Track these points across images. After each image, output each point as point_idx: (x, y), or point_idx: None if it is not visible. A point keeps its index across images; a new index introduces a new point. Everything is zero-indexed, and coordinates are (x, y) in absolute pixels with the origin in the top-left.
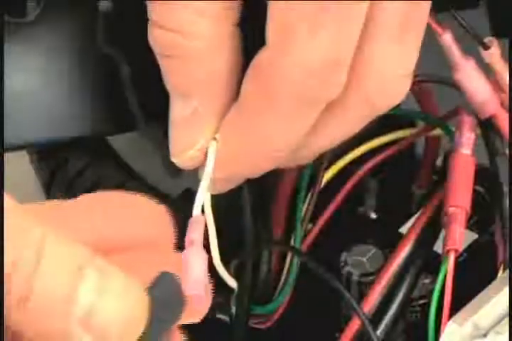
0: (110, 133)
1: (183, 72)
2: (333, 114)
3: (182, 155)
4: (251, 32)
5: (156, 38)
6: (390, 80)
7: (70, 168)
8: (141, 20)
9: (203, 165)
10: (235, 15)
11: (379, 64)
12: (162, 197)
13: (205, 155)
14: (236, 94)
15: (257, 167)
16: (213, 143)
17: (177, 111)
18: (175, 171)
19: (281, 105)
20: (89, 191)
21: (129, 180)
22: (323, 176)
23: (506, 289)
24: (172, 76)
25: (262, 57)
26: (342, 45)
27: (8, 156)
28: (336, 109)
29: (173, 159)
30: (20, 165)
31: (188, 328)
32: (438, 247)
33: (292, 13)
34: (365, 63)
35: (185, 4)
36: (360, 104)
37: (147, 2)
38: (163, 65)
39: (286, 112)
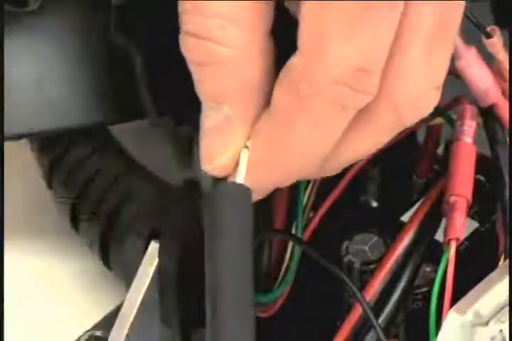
0: (115, 122)
1: (216, 80)
2: (362, 124)
3: (213, 162)
4: (283, 39)
5: (189, 46)
6: (419, 92)
7: (71, 158)
8: (154, 11)
9: (233, 173)
10: (268, 22)
11: (410, 74)
12: (163, 185)
13: (236, 163)
14: (268, 101)
15: (286, 176)
16: (245, 150)
17: (208, 118)
18: (184, 162)
19: (312, 112)
20: (90, 180)
21: (130, 169)
22: None
23: (507, 278)
24: (204, 83)
25: (293, 63)
26: (375, 53)
27: (9, 145)
28: (364, 119)
29: (204, 167)
30: (21, 154)
31: (187, 316)
32: (439, 236)
33: (326, 14)
34: (396, 73)
35: (217, 12)
36: (389, 115)
37: (179, 11)
38: (195, 72)
39: (317, 119)
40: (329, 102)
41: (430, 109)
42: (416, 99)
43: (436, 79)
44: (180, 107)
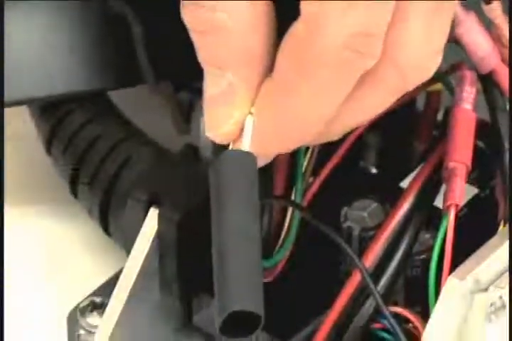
0: (114, 88)
1: (218, 47)
2: (365, 87)
3: (217, 129)
4: (285, 6)
5: (190, 14)
6: (421, 55)
7: (70, 124)
8: None
9: (237, 139)
10: None
11: (412, 38)
12: (163, 152)
13: (241, 129)
14: (271, 68)
15: (290, 142)
16: (250, 117)
17: (211, 85)
18: (183, 128)
19: (315, 77)
20: (89, 147)
21: (130, 135)
22: None
23: (506, 244)
24: (206, 51)
25: (295, 29)
26: (377, 17)
27: (9, 111)
28: (368, 82)
29: (208, 134)
30: (21, 120)
31: (187, 282)
32: (439, 202)
33: None
34: (398, 37)
35: None
36: (392, 77)
37: None
38: (197, 40)
39: (321, 83)
40: (332, 67)
41: (432, 72)
42: (418, 60)
43: (437, 43)
44: (179, 73)
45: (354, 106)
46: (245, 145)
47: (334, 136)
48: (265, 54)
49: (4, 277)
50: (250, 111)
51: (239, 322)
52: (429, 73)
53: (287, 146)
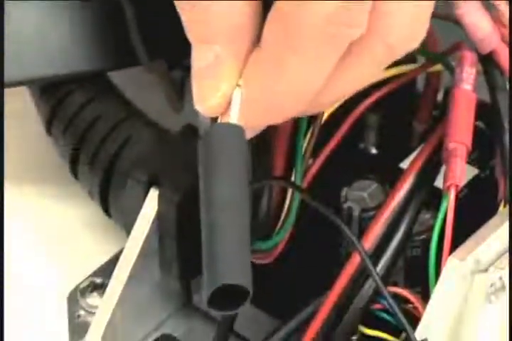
0: (111, 69)
1: (205, 21)
2: (352, 58)
3: (205, 102)
4: None
5: None
6: (408, 25)
7: (70, 104)
8: None
9: (225, 112)
10: None
11: (398, 9)
12: (163, 132)
13: (229, 102)
14: (258, 40)
15: (279, 113)
16: (238, 89)
17: (198, 58)
18: (177, 106)
19: (302, 48)
20: (90, 127)
21: (130, 116)
22: (323, 112)
23: (506, 224)
24: (193, 25)
25: (279, 4)
26: None
27: (9, 91)
28: (354, 53)
29: (197, 107)
30: (21, 100)
31: (187, 263)
32: (439, 183)
33: None
34: (384, 7)
35: None
36: (379, 48)
37: None
38: (183, 14)
39: (308, 54)
40: (319, 39)
41: (418, 42)
42: (404, 30)
43: (423, 13)
44: (172, 52)
45: (342, 77)
46: (233, 117)
47: (323, 107)
48: (252, 26)
49: (4, 258)
50: (238, 84)
51: (227, 296)
52: (415, 43)
53: (276, 118)
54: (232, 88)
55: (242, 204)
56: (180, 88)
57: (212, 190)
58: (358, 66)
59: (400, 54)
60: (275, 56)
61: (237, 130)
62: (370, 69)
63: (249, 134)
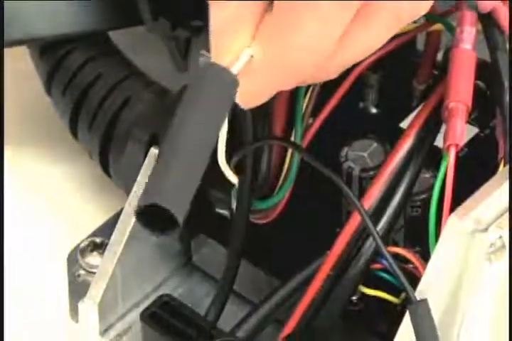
0: (114, 28)
1: None
2: (360, 25)
3: (222, 58)
4: None
5: None
6: None
7: (70, 64)
8: None
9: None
10: None
11: None
12: (163, 92)
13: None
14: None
15: (288, 78)
16: (247, 49)
17: (216, 16)
18: (181, 66)
19: (315, 9)
20: (89, 87)
21: (130, 75)
22: None
23: (507, 183)
24: None
25: None
26: None
27: (9, 51)
28: (362, 20)
29: (214, 59)
30: (21, 60)
31: (187, 223)
32: (439, 142)
33: None
34: None
35: None
36: (386, 14)
37: None
38: None
39: (320, 16)
40: None
41: (425, 9)
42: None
43: None
44: (176, 11)
45: (350, 43)
46: (234, 68)
47: (330, 74)
48: None
49: (4, 220)
50: (250, 45)
51: (161, 217)
52: (423, 10)
53: (285, 83)
54: (245, 48)
55: (208, 146)
56: (184, 48)
57: (184, 117)
58: (365, 32)
59: (407, 21)
60: (289, 16)
61: (232, 78)
62: (377, 35)
63: (258, 100)
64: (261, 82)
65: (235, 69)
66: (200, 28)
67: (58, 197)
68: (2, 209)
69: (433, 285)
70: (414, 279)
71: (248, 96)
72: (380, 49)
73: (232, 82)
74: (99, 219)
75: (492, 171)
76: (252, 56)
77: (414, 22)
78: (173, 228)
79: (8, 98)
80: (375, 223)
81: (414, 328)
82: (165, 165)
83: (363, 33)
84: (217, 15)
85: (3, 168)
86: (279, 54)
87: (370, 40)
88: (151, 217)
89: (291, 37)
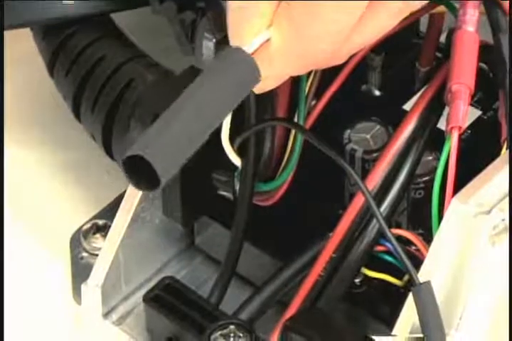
0: (119, 9)
1: None
2: (371, 10)
3: (240, 41)
4: None
5: None
6: None
7: (73, 46)
8: None
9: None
10: None
11: None
12: (165, 73)
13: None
14: None
15: (306, 63)
16: (265, 32)
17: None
18: (187, 49)
19: None
20: (92, 68)
21: (133, 57)
22: None
23: (507, 167)
24: None
25: None
26: None
27: (12, 33)
28: (373, 5)
29: (231, 44)
30: (24, 42)
31: (189, 205)
32: (442, 125)
33: None
34: None
35: None
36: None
37: None
38: None
39: (339, 2)
40: None
41: None
42: None
43: None
44: None
45: (362, 28)
46: (249, 48)
47: (341, 58)
48: None
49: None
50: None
51: (146, 174)
52: None
53: (304, 65)
54: (264, 28)
55: (212, 122)
56: (190, 30)
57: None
58: (376, 17)
59: (414, 7)
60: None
61: (246, 56)
62: (387, 19)
63: (271, 84)
64: (278, 67)
65: (249, 49)
66: (204, 10)
67: (60, 179)
68: (2, 205)
69: (436, 267)
70: (417, 261)
71: (264, 82)
72: None
73: (253, 68)
74: (101, 202)
75: (495, 153)
76: (268, 39)
77: None
78: (154, 188)
79: (11, 81)
80: (378, 205)
81: (417, 310)
82: (164, 124)
83: (374, 18)
84: (234, 2)
85: (3, 167)
86: (297, 41)
87: (380, 24)
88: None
89: (310, 24)
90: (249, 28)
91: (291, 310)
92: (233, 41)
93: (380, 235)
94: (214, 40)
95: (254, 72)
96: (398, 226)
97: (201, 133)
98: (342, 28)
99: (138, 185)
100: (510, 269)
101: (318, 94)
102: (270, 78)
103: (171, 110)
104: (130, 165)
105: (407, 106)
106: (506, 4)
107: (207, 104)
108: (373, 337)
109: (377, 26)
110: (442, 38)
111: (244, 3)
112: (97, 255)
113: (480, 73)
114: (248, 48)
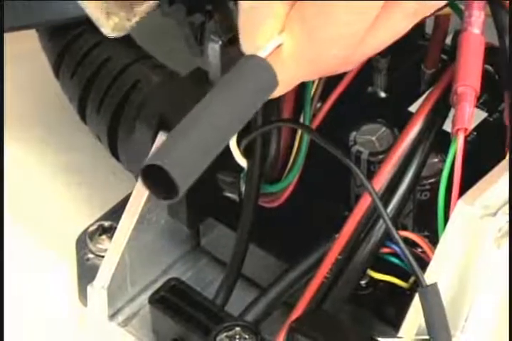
0: None
1: None
2: (385, 13)
3: (253, 43)
4: None
5: None
6: None
7: (78, 48)
8: None
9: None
10: None
11: None
12: (171, 74)
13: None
14: None
15: (318, 69)
16: (277, 37)
17: (245, 4)
18: (196, 51)
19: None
20: (98, 70)
21: (138, 58)
22: None
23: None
24: None
25: None
26: None
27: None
28: (387, 9)
29: (243, 46)
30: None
31: (195, 207)
32: (447, 126)
33: None
34: None
35: None
36: (410, 4)
37: None
38: None
39: (353, 6)
40: None
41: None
42: None
43: None
44: None
45: (375, 33)
46: (262, 53)
47: (352, 64)
48: None
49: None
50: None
51: (163, 182)
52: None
53: (316, 71)
54: (277, 30)
55: (231, 131)
56: (199, 33)
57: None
58: (389, 22)
59: (430, 10)
60: (322, 4)
61: (263, 63)
62: (401, 21)
63: (283, 90)
64: (289, 73)
65: (262, 54)
66: (212, 13)
67: (66, 181)
68: (2, 206)
69: (442, 269)
70: (423, 263)
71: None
72: None
73: (271, 73)
74: (107, 203)
75: (500, 155)
76: (280, 44)
77: None
78: (173, 197)
79: (16, 81)
80: (384, 207)
81: (423, 312)
82: (183, 133)
83: (389, 19)
84: (246, 2)
85: (3, 167)
86: (310, 45)
87: (395, 26)
88: (158, 181)
89: (323, 26)
90: (262, 29)
91: (297, 312)
92: (245, 44)
93: (387, 236)
94: (220, 42)
95: (272, 78)
96: (404, 228)
97: (219, 142)
98: (355, 30)
99: (157, 194)
100: (511, 271)
101: (323, 96)
102: (280, 84)
103: (189, 119)
104: (146, 176)
105: (412, 108)
106: (507, 4)
107: (225, 114)
108: (379, 339)
109: (391, 29)
110: (448, 40)
111: (257, 3)
112: (102, 256)
113: (485, 75)
114: (261, 53)
